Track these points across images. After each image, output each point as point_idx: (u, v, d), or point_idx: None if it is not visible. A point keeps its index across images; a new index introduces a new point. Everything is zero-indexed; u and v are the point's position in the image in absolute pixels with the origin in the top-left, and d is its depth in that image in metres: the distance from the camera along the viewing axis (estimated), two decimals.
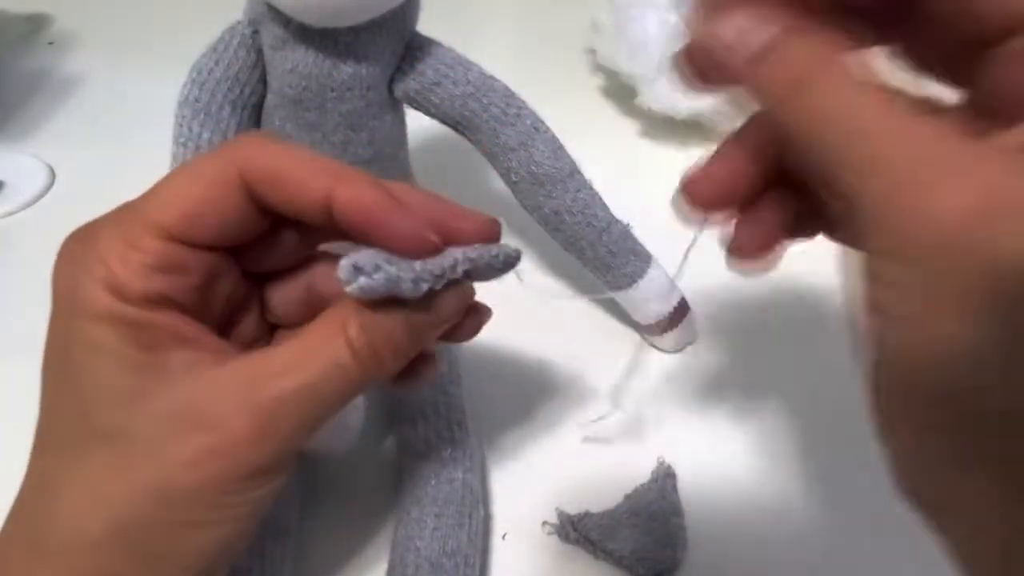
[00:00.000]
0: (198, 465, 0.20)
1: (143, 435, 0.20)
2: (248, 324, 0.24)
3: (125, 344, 0.20)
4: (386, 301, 0.20)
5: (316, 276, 0.25)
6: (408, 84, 0.34)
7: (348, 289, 0.19)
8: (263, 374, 0.20)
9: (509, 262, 0.23)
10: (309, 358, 0.21)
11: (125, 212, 0.22)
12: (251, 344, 0.25)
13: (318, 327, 0.21)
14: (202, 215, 0.21)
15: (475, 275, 0.22)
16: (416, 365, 0.24)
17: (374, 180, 0.22)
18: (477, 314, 0.24)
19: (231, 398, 0.20)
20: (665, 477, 0.33)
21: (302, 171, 0.21)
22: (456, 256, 0.21)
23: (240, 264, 0.24)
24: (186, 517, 0.20)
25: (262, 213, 0.22)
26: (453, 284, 0.21)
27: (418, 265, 0.20)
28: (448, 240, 0.21)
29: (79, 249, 0.21)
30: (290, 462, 0.21)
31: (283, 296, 0.25)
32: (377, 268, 0.19)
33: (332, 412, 0.21)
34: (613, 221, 0.37)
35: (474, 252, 0.21)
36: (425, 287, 0.20)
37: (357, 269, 0.19)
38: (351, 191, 0.21)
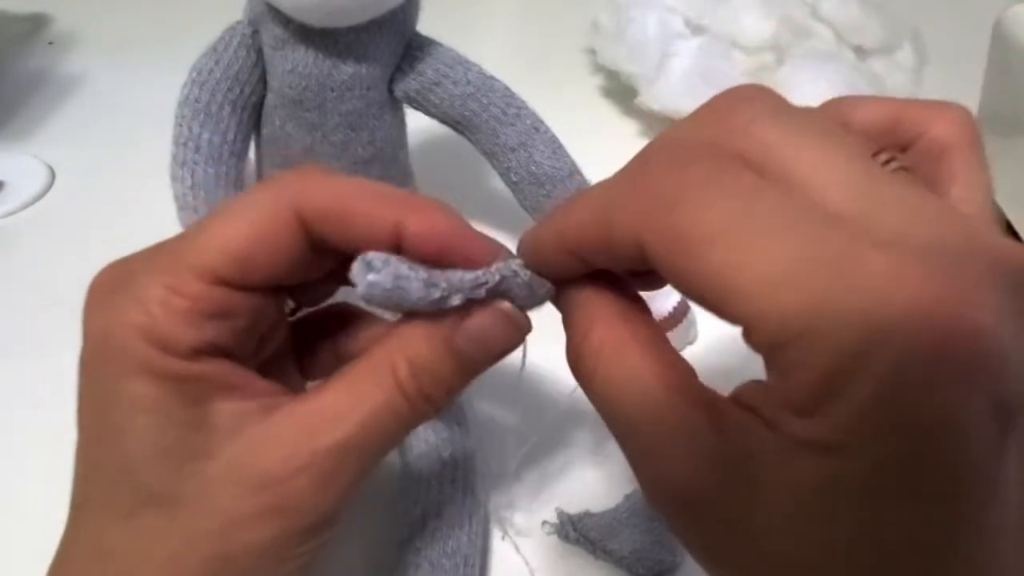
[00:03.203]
0: (260, 525, 0.19)
1: (198, 498, 0.19)
2: (276, 340, 0.24)
3: (170, 401, 0.19)
4: (433, 336, 0.20)
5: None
6: (408, 84, 0.34)
7: (359, 291, 0.19)
8: (315, 424, 0.20)
9: (540, 289, 0.21)
10: (360, 404, 0.20)
11: (165, 251, 0.20)
12: (275, 363, 0.24)
13: (366, 370, 0.20)
14: (254, 257, 0.20)
15: (505, 296, 0.21)
16: None
17: (443, 206, 0.20)
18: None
19: (286, 453, 0.19)
20: None
21: (367, 205, 0.20)
22: (478, 274, 0.20)
23: (292, 298, 0.23)
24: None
25: (317, 251, 0.21)
26: (497, 315, 0.20)
27: (435, 271, 0.19)
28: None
29: (113, 290, 0.20)
30: (347, 508, 0.21)
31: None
32: (387, 263, 0.18)
33: (385, 453, 0.21)
34: None
35: (496, 270, 0.20)
36: (437, 293, 0.19)
37: (367, 264, 0.18)
38: (423, 221, 0.20)
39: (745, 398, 0.16)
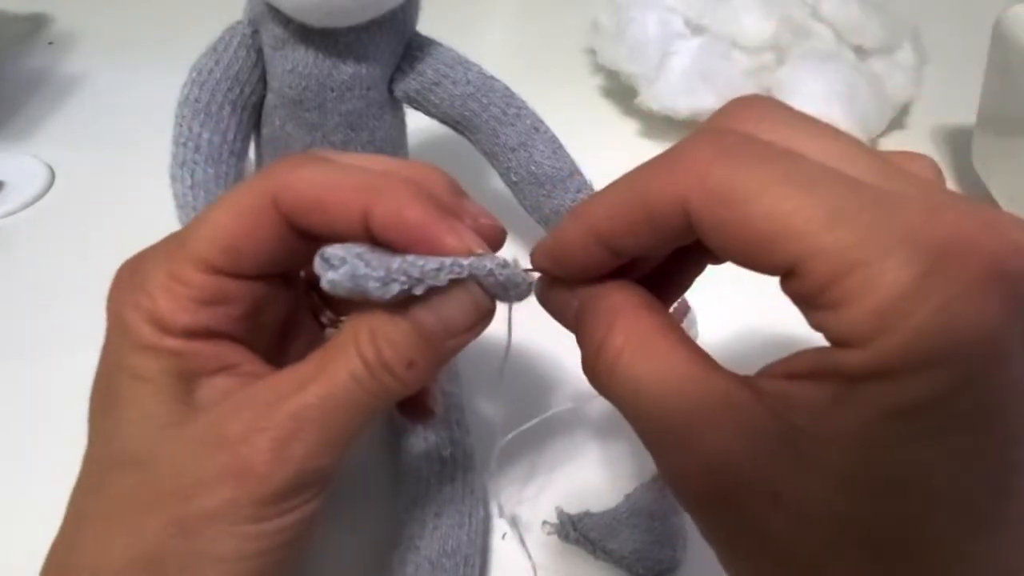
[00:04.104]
0: (216, 488, 0.19)
1: (167, 461, 0.20)
2: (303, 342, 0.24)
3: (166, 374, 0.20)
4: (395, 308, 0.20)
5: None
6: (408, 84, 0.34)
7: (322, 283, 0.19)
8: (282, 391, 0.20)
9: (515, 284, 0.21)
10: (324, 372, 0.20)
11: (172, 242, 0.22)
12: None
13: (335, 341, 0.21)
14: (239, 247, 0.21)
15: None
16: (417, 401, 0.24)
17: (416, 190, 0.20)
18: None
19: (248, 417, 0.20)
20: None
21: (337, 192, 0.20)
22: (444, 261, 0.20)
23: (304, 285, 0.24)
24: (204, 548, 0.19)
25: (305, 239, 0.21)
26: (458, 292, 0.20)
27: (396, 263, 0.19)
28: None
29: (128, 279, 0.22)
30: (313, 489, 0.20)
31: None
32: (343, 262, 0.18)
33: (353, 428, 0.20)
34: None
35: (467, 260, 0.20)
36: (396, 288, 0.19)
37: (325, 261, 0.19)
38: (387, 208, 0.20)
39: (776, 370, 0.17)
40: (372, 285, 0.18)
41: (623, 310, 0.19)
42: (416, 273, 0.19)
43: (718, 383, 0.17)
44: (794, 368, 0.16)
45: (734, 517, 0.17)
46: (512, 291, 0.21)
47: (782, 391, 0.16)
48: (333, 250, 0.19)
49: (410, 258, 0.19)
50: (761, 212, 0.15)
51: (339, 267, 0.18)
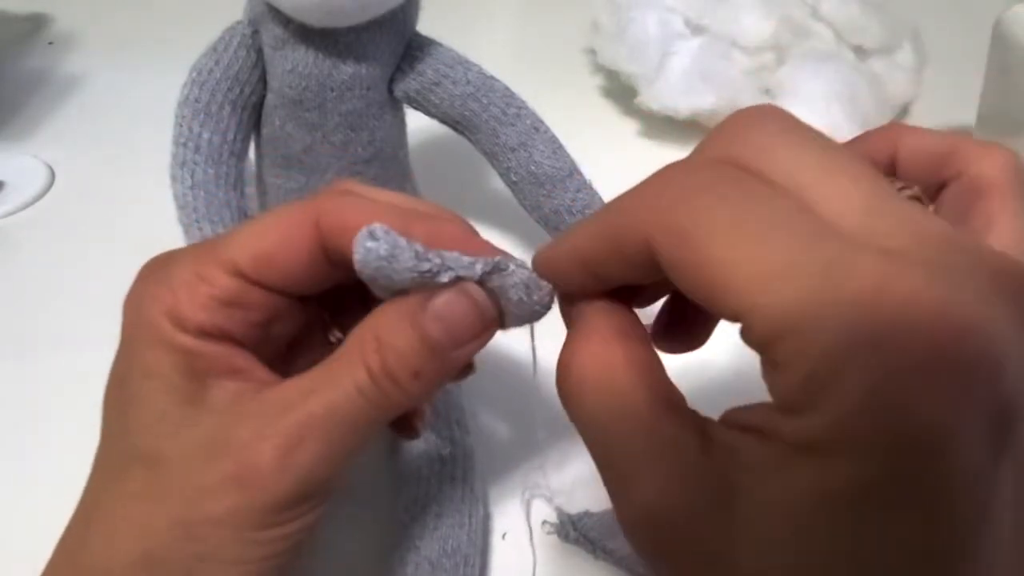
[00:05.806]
0: (221, 494, 0.19)
1: (176, 462, 0.20)
2: (309, 358, 0.24)
3: (176, 372, 0.20)
4: (400, 319, 0.20)
5: None
6: (408, 84, 0.34)
7: (356, 258, 0.19)
8: (289, 400, 0.20)
9: (538, 287, 0.21)
10: (330, 382, 0.20)
11: (204, 246, 0.22)
12: None
13: (341, 352, 0.21)
14: (272, 259, 0.21)
15: (501, 294, 0.21)
16: (405, 416, 0.24)
17: (447, 216, 0.22)
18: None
19: (255, 425, 0.20)
20: None
21: (377, 218, 0.20)
22: (478, 257, 0.20)
23: (325, 309, 0.24)
24: (208, 552, 0.19)
25: (334, 266, 0.22)
26: (462, 300, 0.21)
27: (434, 251, 0.20)
28: None
29: (153, 274, 0.22)
30: (317, 499, 0.21)
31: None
32: (388, 233, 0.19)
33: (358, 439, 0.21)
34: None
35: (497, 257, 0.21)
36: (427, 266, 0.20)
37: (370, 234, 0.19)
38: (427, 229, 0.21)
39: (735, 418, 0.16)
40: (407, 255, 0.19)
41: (594, 336, 0.19)
42: (451, 260, 0.20)
43: (667, 429, 0.17)
44: (748, 420, 0.16)
45: (666, 568, 0.17)
46: (536, 294, 0.21)
47: (732, 445, 0.16)
48: (379, 224, 0.19)
49: (444, 251, 0.20)
50: (709, 260, 0.15)
51: (381, 238, 0.19)
